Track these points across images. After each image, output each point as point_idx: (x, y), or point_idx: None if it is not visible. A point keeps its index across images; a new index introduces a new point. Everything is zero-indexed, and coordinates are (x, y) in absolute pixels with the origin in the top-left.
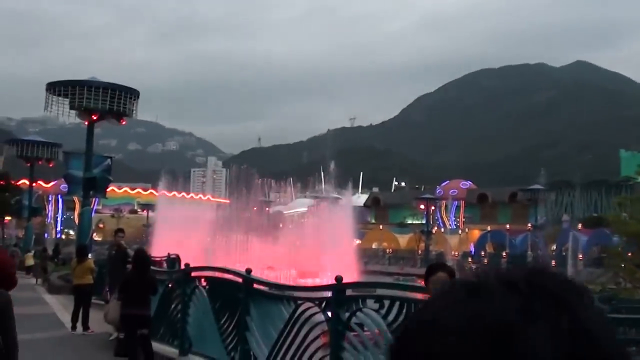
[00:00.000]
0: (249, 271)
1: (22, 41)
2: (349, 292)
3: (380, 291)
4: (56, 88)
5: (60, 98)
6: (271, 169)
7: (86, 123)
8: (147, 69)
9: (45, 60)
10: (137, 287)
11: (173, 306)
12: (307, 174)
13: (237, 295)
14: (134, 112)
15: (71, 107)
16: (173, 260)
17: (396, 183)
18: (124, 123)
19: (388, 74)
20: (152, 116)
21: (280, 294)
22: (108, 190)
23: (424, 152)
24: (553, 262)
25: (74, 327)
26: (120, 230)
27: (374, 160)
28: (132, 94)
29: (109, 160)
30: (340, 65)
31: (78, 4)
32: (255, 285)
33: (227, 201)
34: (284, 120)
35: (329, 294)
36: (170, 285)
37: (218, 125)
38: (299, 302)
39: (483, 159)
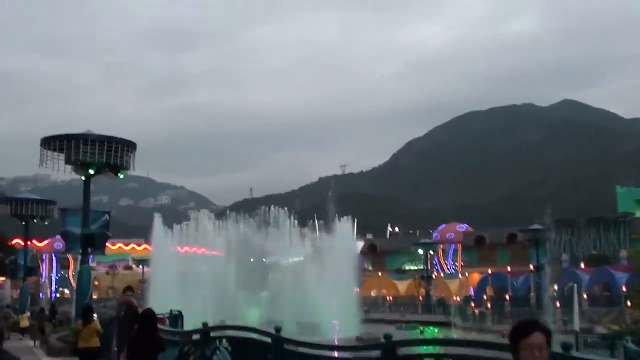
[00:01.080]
0: (278, 330)
1: (11, 100)
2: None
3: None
4: (51, 143)
5: (55, 153)
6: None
7: (83, 178)
8: (137, 125)
9: (35, 119)
10: (144, 349)
11: None
12: (301, 223)
13: (266, 358)
14: (132, 165)
15: (67, 162)
16: (176, 317)
17: (390, 229)
18: (122, 177)
19: (377, 121)
20: (143, 171)
21: (319, 354)
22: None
23: (416, 196)
24: (558, 304)
25: None
26: (130, 288)
27: (366, 207)
28: (129, 146)
29: (106, 215)
30: (329, 114)
31: (67, 62)
32: (286, 346)
33: (221, 254)
34: (275, 170)
35: (376, 353)
36: (186, 349)
37: (209, 177)
38: None
39: (475, 201)
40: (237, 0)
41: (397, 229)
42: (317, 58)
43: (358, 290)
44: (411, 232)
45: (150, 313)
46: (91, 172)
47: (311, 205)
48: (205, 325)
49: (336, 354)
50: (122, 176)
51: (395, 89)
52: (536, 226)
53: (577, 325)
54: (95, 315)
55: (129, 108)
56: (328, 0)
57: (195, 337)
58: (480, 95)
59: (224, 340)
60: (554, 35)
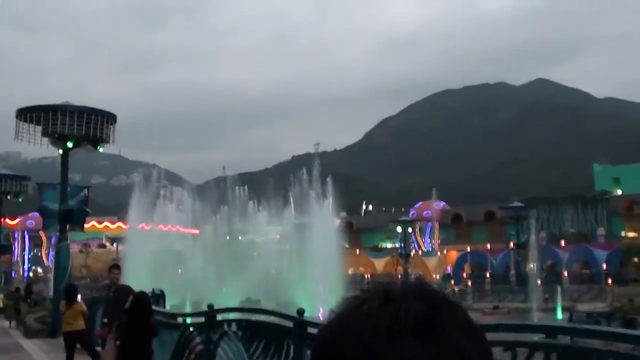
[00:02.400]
0: (301, 312)
1: None
2: None
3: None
4: (27, 114)
5: (31, 125)
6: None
7: (60, 151)
8: (108, 102)
9: (4, 96)
10: (137, 335)
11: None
12: (274, 201)
13: (283, 343)
14: (111, 137)
15: (44, 134)
16: (158, 297)
17: (365, 207)
18: (101, 150)
19: (350, 99)
20: (115, 149)
21: None
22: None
23: (390, 175)
24: (539, 281)
25: None
26: (116, 266)
27: (339, 185)
28: (108, 118)
29: (85, 190)
30: (302, 92)
31: (36, 37)
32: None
33: (197, 232)
34: (247, 148)
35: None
36: (187, 333)
37: (182, 155)
38: None
39: (449, 180)
40: None
41: (370, 207)
42: (289, 35)
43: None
44: (384, 209)
45: (144, 297)
46: (69, 144)
47: (285, 182)
48: (210, 306)
49: None
50: (101, 149)
51: (369, 67)
52: (516, 203)
53: (559, 299)
54: (79, 296)
55: (99, 85)
56: None
57: (197, 319)
58: (453, 74)
59: (233, 324)
60: (526, 14)
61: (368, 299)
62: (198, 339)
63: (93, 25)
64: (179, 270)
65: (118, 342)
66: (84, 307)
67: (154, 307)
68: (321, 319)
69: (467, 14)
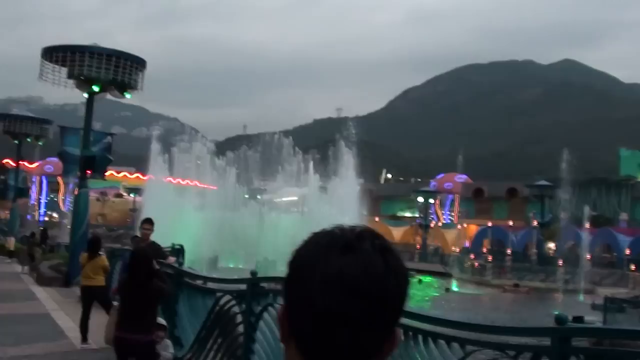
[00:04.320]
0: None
1: (4, 20)
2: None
3: None
4: (53, 54)
5: (57, 66)
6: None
7: (85, 95)
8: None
9: (28, 42)
10: (136, 298)
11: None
12: (293, 162)
13: None
14: (140, 84)
15: (69, 76)
16: (177, 252)
17: (384, 175)
18: (128, 96)
19: (375, 66)
20: (136, 100)
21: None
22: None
23: (411, 144)
24: (560, 261)
25: (84, 339)
26: (148, 220)
27: (359, 152)
28: (138, 63)
29: (109, 137)
30: (326, 56)
31: None
32: None
33: (215, 188)
34: (268, 108)
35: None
36: (224, 302)
37: (202, 111)
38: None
39: (470, 154)
40: None
41: (389, 175)
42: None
43: None
44: (402, 179)
45: (144, 253)
46: (95, 88)
47: (305, 146)
48: (253, 273)
49: None
50: (128, 95)
51: (395, 36)
52: (543, 182)
53: (581, 284)
54: (102, 249)
55: (124, 35)
56: None
57: (236, 286)
58: (481, 49)
59: (280, 298)
60: None
61: (328, 234)
62: (236, 309)
63: None
64: (199, 226)
65: (117, 304)
66: (106, 262)
67: (193, 271)
68: None
69: None
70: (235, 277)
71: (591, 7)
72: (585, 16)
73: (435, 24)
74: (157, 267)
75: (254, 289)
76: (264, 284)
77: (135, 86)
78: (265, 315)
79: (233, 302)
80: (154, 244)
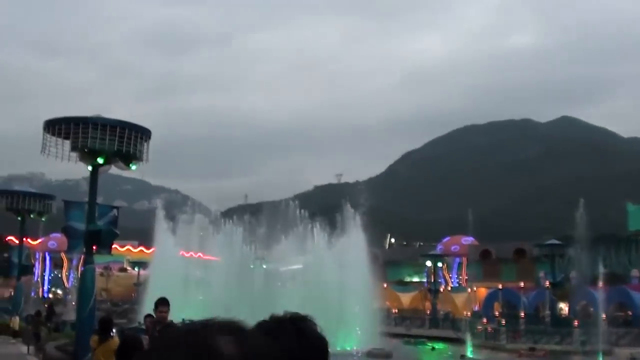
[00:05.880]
0: None
1: (5, 99)
2: None
3: None
4: (56, 127)
5: (59, 139)
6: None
7: (89, 168)
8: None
9: (30, 118)
10: None
11: None
12: (296, 231)
13: None
14: (145, 154)
15: (73, 149)
16: None
17: (389, 240)
18: (134, 168)
19: (373, 131)
20: (137, 173)
21: None
22: (95, 247)
23: (413, 208)
24: (576, 322)
25: None
26: (163, 301)
27: (362, 217)
28: (143, 133)
29: (114, 210)
30: (325, 122)
31: (62, 62)
32: None
33: (218, 259)
34: (269, 176)
35: None
36: None
37: (203, 182)
38: None
39: (473, 215)
40: (237, 4)
41: (393, 240)
42: (314, 65)
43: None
44: (405, 243)
45: (130, 341)
46: (100, 160)
47: (307, 213)
48: None
49: None
50: (134, 167)
51: (393, 99)
52: (553, 241)
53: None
54: (113, 330)
55: (124, 109)
56: (328, 7)
57: None
58: (478, 109)
59: None
60: (552, 52)
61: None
62: None
63: (119, 50)
64: (200, 298)
65: None
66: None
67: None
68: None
69: (492, 49)
70: None
71: (585, 63)
72: (580, 73)
73: (431, 85)
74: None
75: None
76: None
77: (141, 157)
78: None
79: None
80: (171, 325)
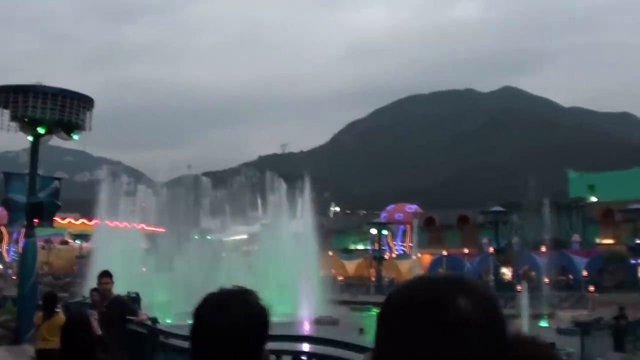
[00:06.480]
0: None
1: None
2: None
3: None
4: None
5: None
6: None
7: (30, 138)
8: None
9: None
10: None
11: None
12: (240, 201)
13: None
14: (88, 124)
15: (12, 119)
16: (133, 300)
17: (333, 209)
18: (76, 138)
19: (318, 101)
20: (79, 145)
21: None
22: (37, 220)
23: (357, 178)
24: (519, 287)
25: None
26: (106, 274)
27: (307, 186)
28: (85, 102)
29: (56, 182)
30: (269, 93)
31: (3, 28)
32: None
33: (162, 230)
34: (213, 147)
35: None
36: None
37: (146, 152)
38: None
39: (417, 184)
40: None
41: (337, 209)
42: (258, 36)
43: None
44: (348, 211)
45: (76, 319)
46: (41, 130)
47: (251, 183)
48: None
49: None
50: (76, 137)
51: (338, 70)
52: (497, 208)
53: (543, 306)
54: (58, 306)
55: (66, 79)
56: None
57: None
58: (422, 80)
59: (285, 357)
60: (495, 22)
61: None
62: None
63: (60, 19)
64: (144, 269)
65: None
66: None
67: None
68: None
69: (437, 20)
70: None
71: (527, 34)
72: (522, 44)
73: (376, 56)
74: (99, 334)
75: None
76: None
77: (83, 126)
78: None
79: None
80: (118, 298)
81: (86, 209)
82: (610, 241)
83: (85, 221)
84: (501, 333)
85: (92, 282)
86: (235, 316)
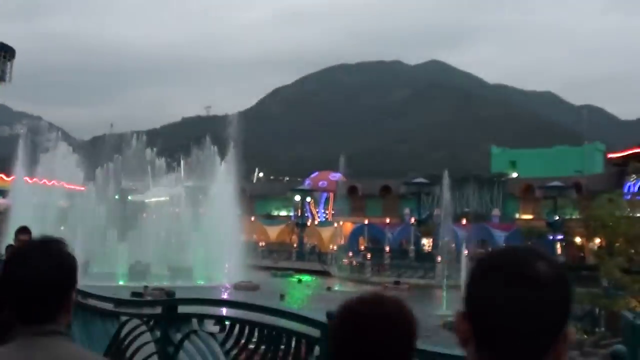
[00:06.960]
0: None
1: None
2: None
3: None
4: None
5: None
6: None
7: None
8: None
9: None
10: None
11: None
12: (162, 162)
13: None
14: (9, 74)
15: None
16: None
17: (257, 174)
18: None
19: (244, 65)
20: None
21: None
22: None
23: (282, 144)
24: (438, 257)
25: None
26: (24, 229)
27: (230, 150)
28: (6, 51)
29: None
30: (195, 54)
31: None
32: None
33: (83, 188)
34: (136, 106)
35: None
36: (128, 328)
37: (68, 109)
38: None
39: (339, 153)
40: None
41: (261, 174)
42: None
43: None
44: (272, 177)
45: None
46: None
47: (174, 144)
48: (170, 294)
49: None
50: None
51: (265, 34)
52: (420, 179)
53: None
54: None
55: None
56: None
57: (149, 310)
58: (350, 49)
59: (205, 322)
60: None
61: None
62: (148, 335)
63: None
64: (62, 228)
65: None
66: None
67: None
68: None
69: None
70: (114, 285)
71: (455, 9)
72: (450, 18)
73: (303, 23)
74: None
75: (171, 313)
76: (185, 308)
77: (4, 77)
78: (187, 344)
79: (143, 327)
80: None
81: (5, 164)
82: (529, 217)
83: (4, 176)
84: (569, 299)
85: (9, 238)
86: (37, 267)
